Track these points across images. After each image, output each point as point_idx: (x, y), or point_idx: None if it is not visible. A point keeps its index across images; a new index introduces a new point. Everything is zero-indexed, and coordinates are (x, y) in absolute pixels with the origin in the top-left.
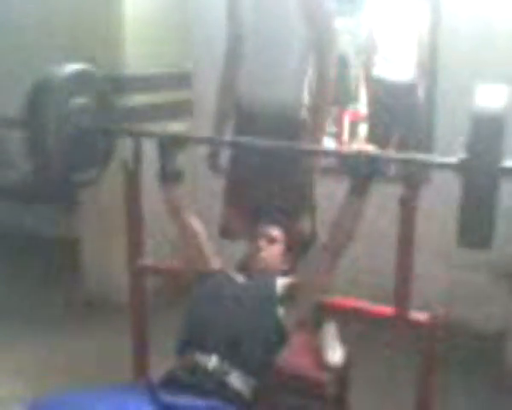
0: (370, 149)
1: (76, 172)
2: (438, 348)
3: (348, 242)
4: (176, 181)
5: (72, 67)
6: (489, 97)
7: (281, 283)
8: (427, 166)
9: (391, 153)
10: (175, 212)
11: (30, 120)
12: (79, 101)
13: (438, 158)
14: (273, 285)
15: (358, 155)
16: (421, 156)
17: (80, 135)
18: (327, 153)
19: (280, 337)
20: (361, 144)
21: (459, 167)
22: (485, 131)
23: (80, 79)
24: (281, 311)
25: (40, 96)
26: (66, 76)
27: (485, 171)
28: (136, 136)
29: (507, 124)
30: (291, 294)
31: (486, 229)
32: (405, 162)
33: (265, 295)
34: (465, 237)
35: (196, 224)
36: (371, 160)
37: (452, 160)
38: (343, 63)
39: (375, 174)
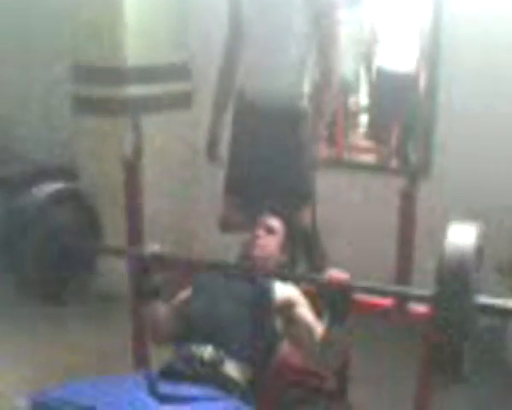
0: (342, 276)
1: (58, 287)
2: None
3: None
4: (155, 298)
5: (54, 187)
6: (459, 236)
7: (281, 291)
8: (401, 297)
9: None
10: (157, 330)
11: (12, 241)
12: (62, 219)
13: (412, 291)
14: (271, 289)
15: (331, 285)
16: (395, 288)
17: (64, 253)
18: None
19: (275, 336)
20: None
21: (431, 301)
22: (455, 271)
23: (63, 198)
24: (277, 321)
25: (22, 219)
26: (48, 196)
27: (456, 307)
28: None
29: (477, 262)
30: (288, 311)
31: (458, 364)
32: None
33: (261, 294)
34: (438, 370)
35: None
36: (345, 288)
37: (425, 293)
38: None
39: (352, 302)
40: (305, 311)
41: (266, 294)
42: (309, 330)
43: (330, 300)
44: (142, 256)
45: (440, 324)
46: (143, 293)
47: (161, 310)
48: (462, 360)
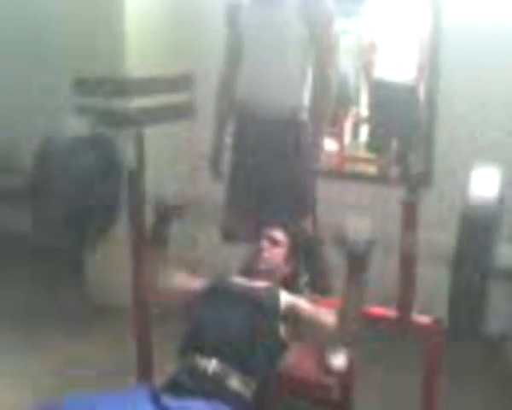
0: (364, 223)
1: (78, 234)
2: (440, 352)
3: (358, 325)
4: (163, 247)
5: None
6: (481, 187)
7: (285, 298)
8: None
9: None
10: (152, 276)
11: (35, 183)
12: (85, 162)
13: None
14: (276, 296)
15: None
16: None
17: (84, 197)
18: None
19: (279, 346)
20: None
21: (449, 264)
22: (476, 231)
23: (86, 140)
24: (282, 327)
25: (45, 158)
26: (71, 138)
27: (475, 270)
28: (141, 204)
29: (498, 223)
30: (294, 315)
31: (475, 324)
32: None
33: (267, 302)
34: (455, 330)
35: (174, 277)
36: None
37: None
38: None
39: (371, 253)
40: (309, 305)
41: (273, 302)
42: (318, 316)
43: (347, 260)
44: (163, 202)
45: (459, 286)
46: (156, 239)
47: (162, 262)
48: (481, 317)
